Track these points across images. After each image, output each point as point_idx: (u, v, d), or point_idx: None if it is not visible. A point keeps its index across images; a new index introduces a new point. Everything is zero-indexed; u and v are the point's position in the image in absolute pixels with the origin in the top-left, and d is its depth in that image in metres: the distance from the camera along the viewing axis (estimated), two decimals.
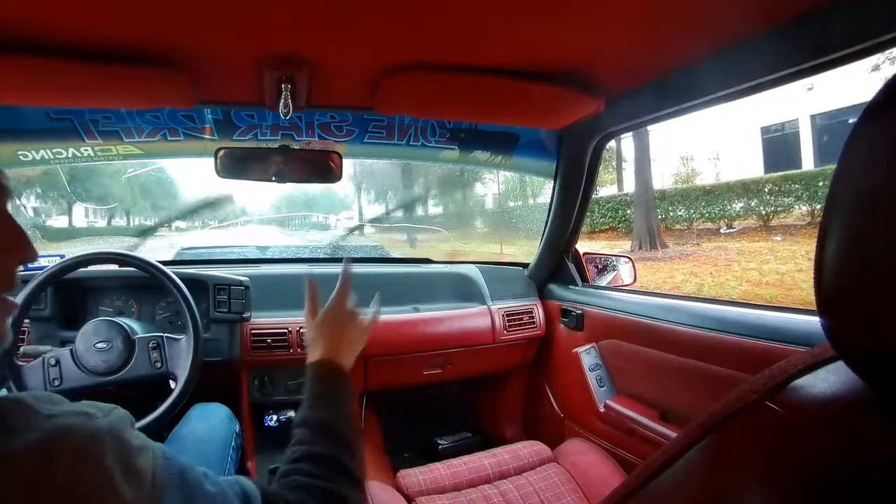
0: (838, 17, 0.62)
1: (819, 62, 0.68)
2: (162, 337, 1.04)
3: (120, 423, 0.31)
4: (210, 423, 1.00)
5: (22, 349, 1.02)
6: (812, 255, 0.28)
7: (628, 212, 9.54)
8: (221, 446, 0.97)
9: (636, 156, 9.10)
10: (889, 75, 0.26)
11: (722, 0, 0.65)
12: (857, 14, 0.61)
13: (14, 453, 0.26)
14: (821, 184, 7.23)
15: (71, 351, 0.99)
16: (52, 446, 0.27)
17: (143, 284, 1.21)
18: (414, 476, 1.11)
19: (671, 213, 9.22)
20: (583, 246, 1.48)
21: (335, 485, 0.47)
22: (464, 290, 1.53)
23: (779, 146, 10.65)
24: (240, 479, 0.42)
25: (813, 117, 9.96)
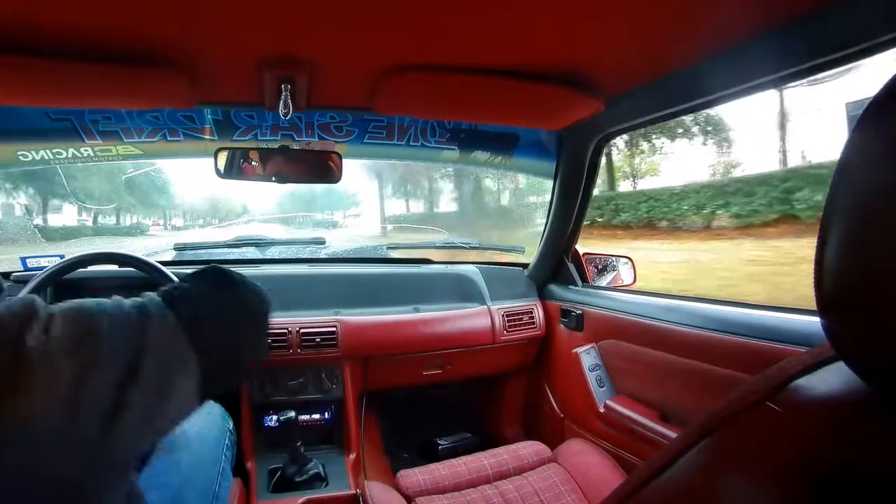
0: (838, 17, 0.62)
1: (819, 62, 0.68)
2: None
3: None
4: (203, 420, 1.00)
5: None
6: None
7: (806, 194, 6.09)
8: (214, 445, 0.96)
9: None
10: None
11: (722, 1, 0.65)
12: (856, 14, 0.61)
13: None
14: None
15: None
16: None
17: (143, 285, 1.21)
18: (414, 476, 1.11)
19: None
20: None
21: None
22: (464, 291, 1.53)
23: None
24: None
25: None
